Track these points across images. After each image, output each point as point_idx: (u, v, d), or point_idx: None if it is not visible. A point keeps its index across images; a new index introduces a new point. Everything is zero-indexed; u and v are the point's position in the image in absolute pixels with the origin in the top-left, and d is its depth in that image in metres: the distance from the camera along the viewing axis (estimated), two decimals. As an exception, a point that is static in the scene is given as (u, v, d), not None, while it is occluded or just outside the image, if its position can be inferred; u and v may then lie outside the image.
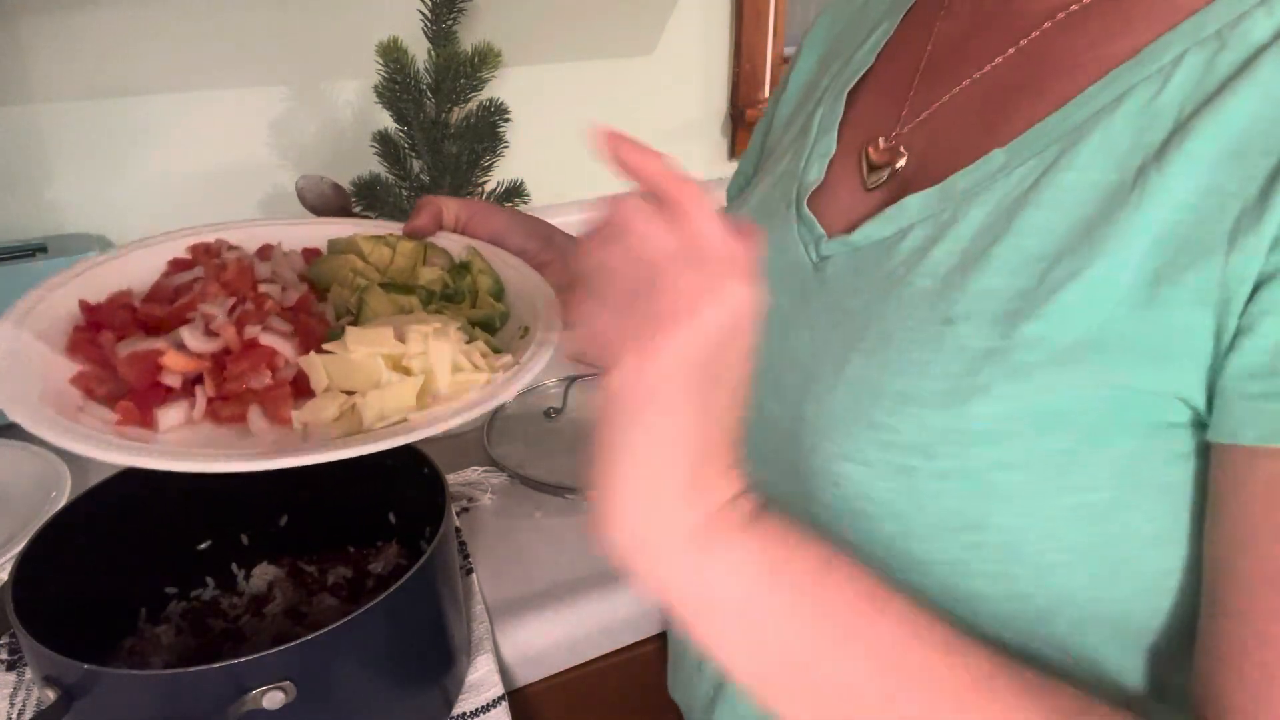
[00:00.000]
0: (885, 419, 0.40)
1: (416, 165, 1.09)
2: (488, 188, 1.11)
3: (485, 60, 1.03)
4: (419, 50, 1.04)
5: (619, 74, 1.31)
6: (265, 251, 0.58)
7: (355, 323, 0.51)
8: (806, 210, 0.49)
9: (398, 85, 1.02)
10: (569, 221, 1.29)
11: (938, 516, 0.40)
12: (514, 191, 1.11)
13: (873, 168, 0.48)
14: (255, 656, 0.47)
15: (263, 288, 0.52)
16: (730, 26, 1.37)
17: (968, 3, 0.49)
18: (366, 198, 1.09)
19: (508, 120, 1.08)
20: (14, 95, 0.99)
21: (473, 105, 1.07)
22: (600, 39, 1.27)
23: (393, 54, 1.01)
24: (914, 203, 0.44)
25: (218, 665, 0.47)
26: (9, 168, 1.01)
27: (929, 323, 0.40)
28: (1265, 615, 0.32)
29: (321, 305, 0.53)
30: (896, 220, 0.44)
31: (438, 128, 1.05)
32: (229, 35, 1.06)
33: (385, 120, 1.07)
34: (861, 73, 0.52)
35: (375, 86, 1.03)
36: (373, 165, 1.10)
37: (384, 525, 0.72)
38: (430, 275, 0.57)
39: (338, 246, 0.59)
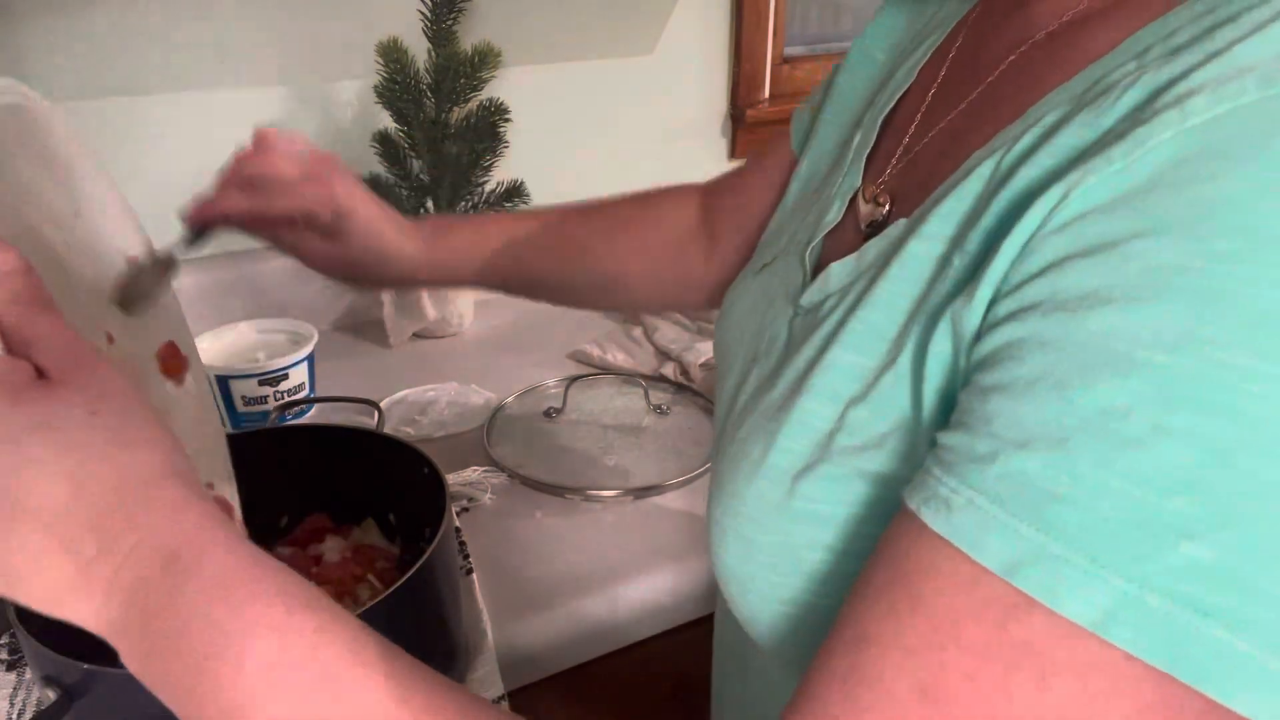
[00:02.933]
0: (742, 488, 0.38)
1: (416, 165, 1.09)
2: (487, 188, 1.11)
3: (485, 60, 1.04)
4: (419, 50, 1.04)
5: (619, 74, 1.31)
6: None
7: None
8: (805, 258, 0.45)
9: (398, 85, 1.02)
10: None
11: (766, 589, 0.38)
12: (514, 191, 1.12)
13: (869, 213, 0.43)
14: (255, 656, 0.47)
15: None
16: (730, 26, 1.37)
17: (981, 19, 0.44)
18: (366, 198, 1.09)
19: (508, 120, 1.08)
20: (14, 95, 0.99)
21: (473, 105, 1.07)
22: (600, 39, 1.27)
23: (393, 54, 1.01)
24: (836, 271, 0.40)
25: (218, 665, 0.47)
26: (9, 168, 1.01)
27: (791, 393, 0.38)
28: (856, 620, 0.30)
29: None
30: (823, 288, 0.41)
31: (438, 128, 1.05)
32: (229, 35, 1.06)
33: (385, 120, 1.07)
34: (898, 95, 0.47)
35: (375, 86, 1.03)
36: (373, 165, 1.10)
37: (384, 525, 0.72)
38: None
39: None
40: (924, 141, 0.42)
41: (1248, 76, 0.25)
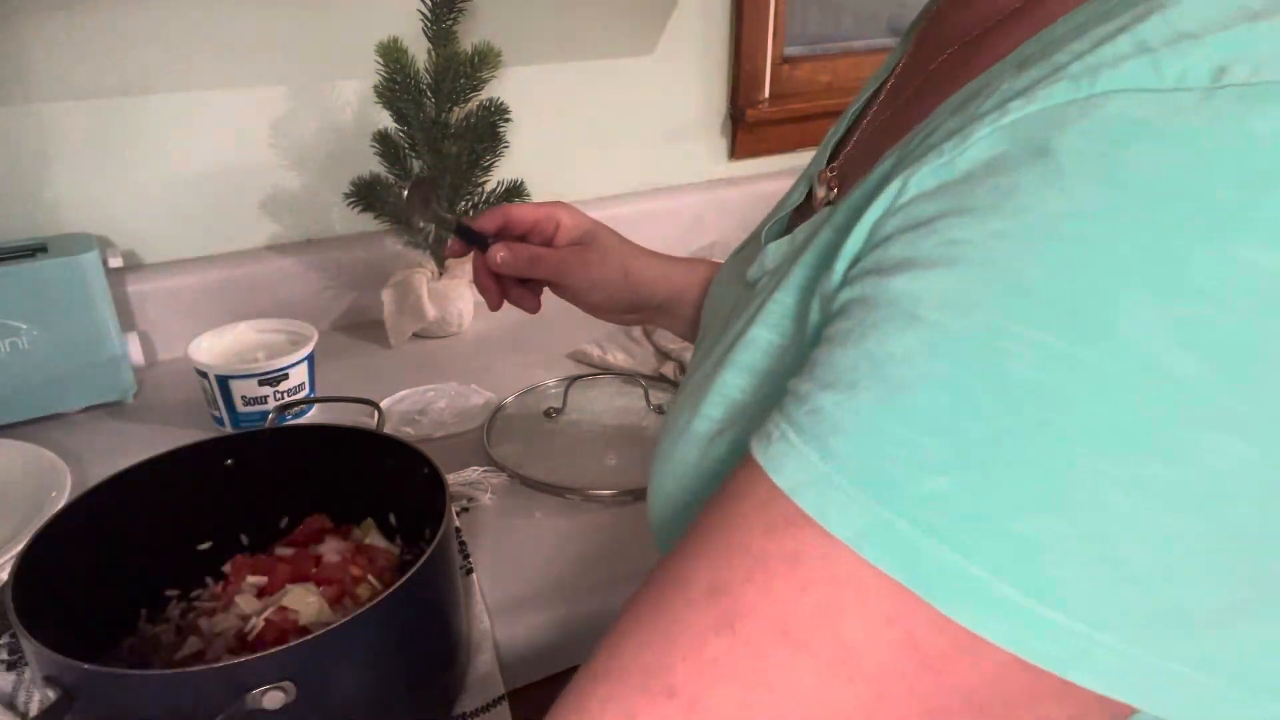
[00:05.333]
0: (668, 449, 0.42)
1: (416, 165, 1.09)
2: (488, 188, 1.11)
3: (485, 60, 1.03)
4: (419, 50, 1.04)
5: (619, 74, 1.31)
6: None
7: None
8: (763, 236, 0.49)
9: (398, 85, 1.02)
10: (569, 221, 1.30)
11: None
12: (514, 191, 1.11)
13: (822, 196, 0.47)
14: (255, 656, 0.47)
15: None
16: (730, 26, 1.37)
17: (938, 17, 0.46)
18: (366, 198, 1.09)
19: (508, 120, 1.08)
20: (14, 95, 0.99)
21: (473, 105, 1.07)
22: (600, 39, 1.27)
23: (393, 54, 1.01)
24: (772, 250, 0.44)
25: (218, 665, 0.47)
26: (9, 168, 1.01)
27: (717, 365, 0.41)
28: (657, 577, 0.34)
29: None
30: (761, 266, 0.45)
31: (438, 128, 1.05)
32: (229, 35, 1.06)
33: (385, 120, 1.07)
34: (875, 87, 0.50)
35: (375, 86, 1.03)
36: (373, 165, 1.10)
37: (384, 525, 0.72)
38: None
39: None
40: (867, 133, 0.46)
41: (1061, 81, 0.27)
